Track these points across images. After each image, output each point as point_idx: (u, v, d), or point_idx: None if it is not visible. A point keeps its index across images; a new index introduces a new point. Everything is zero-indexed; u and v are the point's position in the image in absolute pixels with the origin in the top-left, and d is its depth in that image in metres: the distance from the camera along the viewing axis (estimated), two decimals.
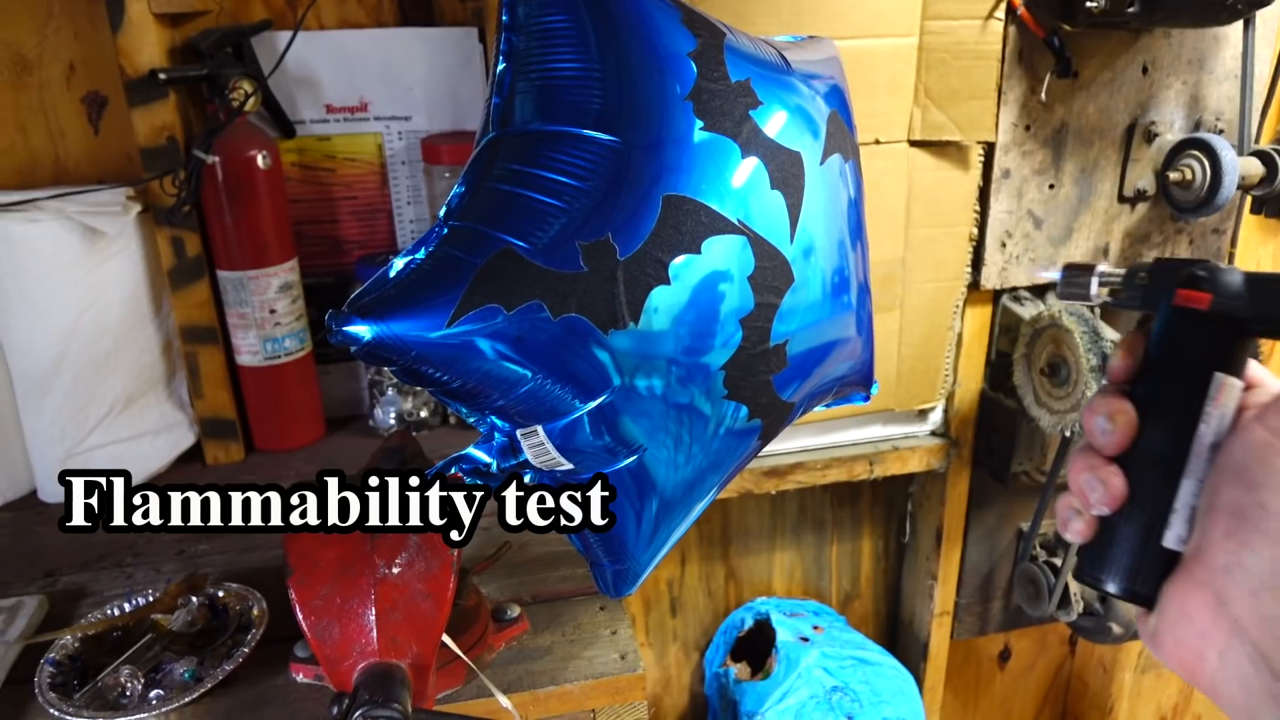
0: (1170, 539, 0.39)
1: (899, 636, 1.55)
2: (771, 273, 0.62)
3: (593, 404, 0.57)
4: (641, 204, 0.57)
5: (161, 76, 0.96)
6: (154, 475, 1.08)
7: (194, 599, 0.79)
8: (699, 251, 0.58)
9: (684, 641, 1.50)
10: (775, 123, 0.63)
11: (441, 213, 0.58)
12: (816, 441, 1.31)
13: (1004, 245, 1.21)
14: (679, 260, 0.57)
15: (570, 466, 0.60)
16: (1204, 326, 0.40)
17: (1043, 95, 1.13)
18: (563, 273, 0.55)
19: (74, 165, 1.07)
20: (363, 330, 0.53)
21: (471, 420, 0.63)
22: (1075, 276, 0.46)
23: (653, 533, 0.67)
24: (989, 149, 1.17)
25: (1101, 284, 0.45)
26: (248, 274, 1.04)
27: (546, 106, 0.57)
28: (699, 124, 0.58)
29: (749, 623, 1.44)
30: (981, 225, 1.20)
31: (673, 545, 0.71)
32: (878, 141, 1.13)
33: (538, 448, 0.60)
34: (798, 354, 0.65)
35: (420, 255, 0.57)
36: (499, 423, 0.62)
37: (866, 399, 0.83)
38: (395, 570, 0.58)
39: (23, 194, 0.96)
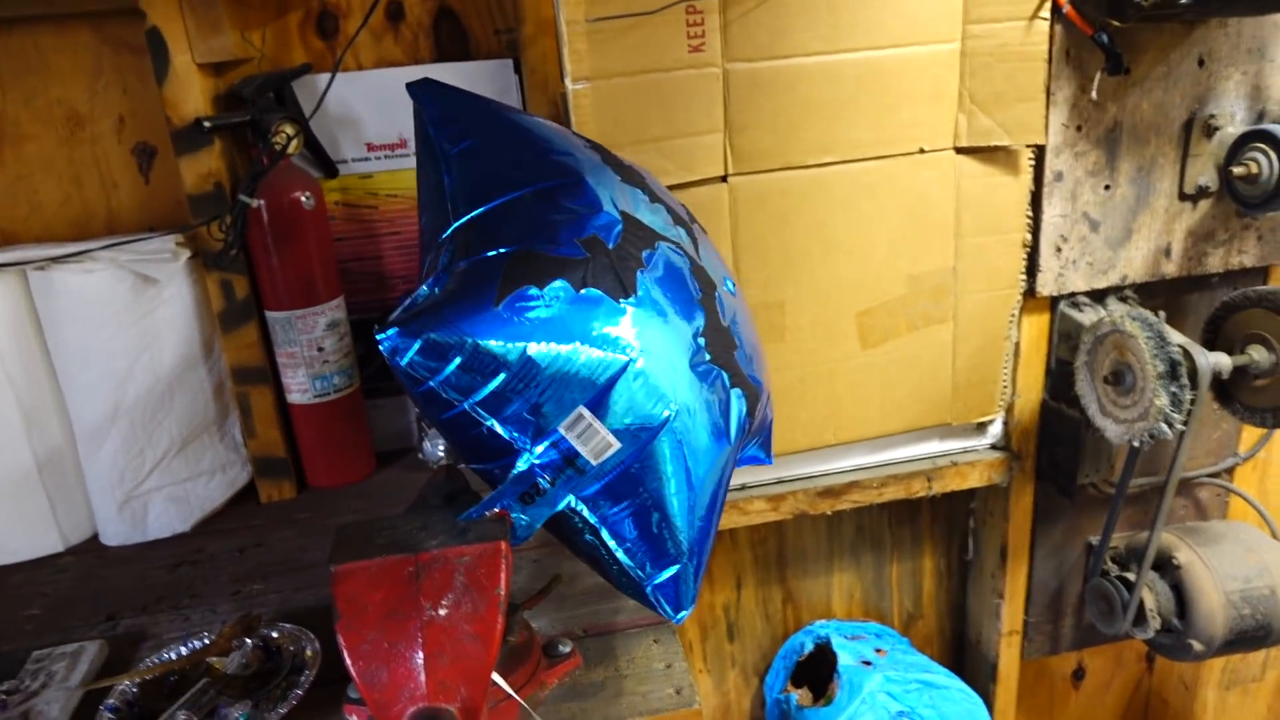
0: None
1: (966, 657, 1.50)
2: (702, 273, 0.77)
3: (622, 363, 0.64)
4: (609, 221, 0.72)
5: (207, 124, 0.97)
6: (209, 515, 1.10)
7: (248, 641, 0.79)
8: (655, 250, 0.73)
9: (742, 667, 1.47)
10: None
11: (443, 260, 0.68)
12: (872, 459, 1.27)
13: (1059, 250, 1.17)
14: (645, 250, 0.72)
15: (618, 445, 0.64)
16: None
17: (1093, 94, 1.10)
18: (573, 258, 0.67)
19: (126, 215, 1.10)
20: (415, 333, 0.61)
21: (511, 434, 0.63)
22: None
23: (692, 507, 0.68)
24: (1039, 152, 1.13)
25: None
26: (295, 313, 1.06)
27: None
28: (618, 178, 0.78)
29: (809, 647, 1.41)
30: (1035, 230, 1.17)
31: (713, 532, 0.71)
32: (922, 150, 1.11)
33: (586, 432, 0.63)
34: (740, 339, 0.77)
35: (444, 277, 0.66)
36: (546, 424, 0.63)
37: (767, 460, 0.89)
38: (442, 612, 0.57)
39: (76, 245, 0.99)
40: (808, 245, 1.12)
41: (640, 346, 0.66)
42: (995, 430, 1.29)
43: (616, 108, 1.01)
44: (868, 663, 1.34)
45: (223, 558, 1.02)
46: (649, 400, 0.65)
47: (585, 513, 0.66)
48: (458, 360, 0.61)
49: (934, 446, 1.29)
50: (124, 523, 1.05)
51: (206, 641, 0.81)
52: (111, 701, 0.75)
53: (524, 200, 0.71)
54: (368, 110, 1.10)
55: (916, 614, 1.50)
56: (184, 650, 0.81)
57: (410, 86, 0.81)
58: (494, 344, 0.62)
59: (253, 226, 1.02)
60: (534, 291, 0.64)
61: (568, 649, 0.78)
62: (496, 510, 0.63)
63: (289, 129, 1.01)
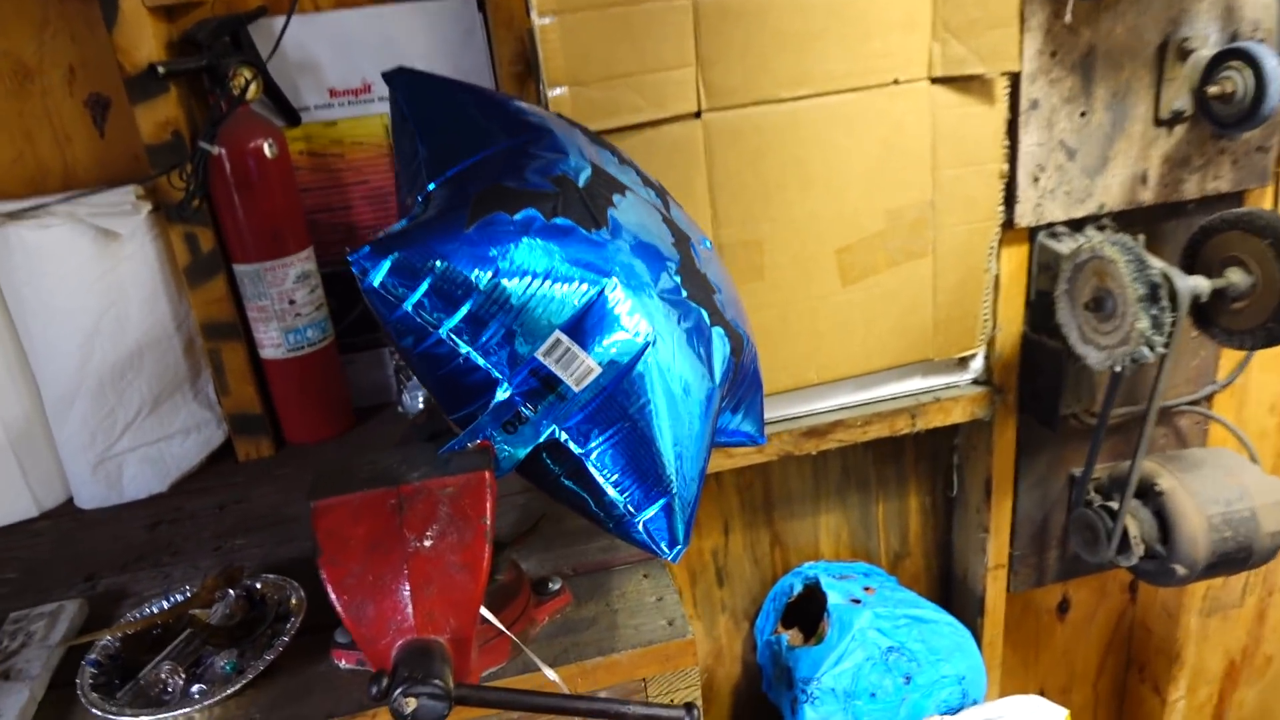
0: None
1: (953, 593, 1.52)
2: (673, 224, 0.77)
3: (599, 288, 0.63)
4: (578, 165, 0.73)
5: (161, 70, 0.94)
6: (186, 475, 1.08)
7: (231, 592, 0.78)
8: (624, 195, 0.72)
9: (733, 611, 1.47)
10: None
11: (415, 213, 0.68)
12: (855, 398, 1.27)
13: (1037, 180, 1.16)
14: (615, 194, 0.71)
15: (599, 370, 0.63)
16: None
17: (1067, 18, 1.08)
18: (542, 190, 0.66)
19: (83, 170, 1.06)
20: (385, 251, 0.60)
21: (489, 363, 0.62)
22: None
23: (678, 438, 0.67)
24: (1014, 80, 1.12)
25: None
26: (264, 265, 1.03)
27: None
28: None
29: (798, 588, 1.41)
30: (1012, 161, 1.16)
31: (703, 469, 0.70)
32: (896, 82, 1.09)
33: (565, 357, 0.62)
34: (718, 286, 0.77)
35: (416, 211, 0.66)
36: (523, 350, 0.63)
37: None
38: (427, 543, 0.56)
39: (32, 200, 0.95)
40: (784, 181, 1.10)
41: (615, 273, 0.65)
42: (977, 365, 1.28)
43: (585, 42, 0.99)
44: (857, 600, 1.34)
45: (203, 515, 1.00)
46: (627, 325, 0.64)
47: (570, 444, 0.64)
48: (429, 281, 0.60)
49: (917, 383, 1.28)
50: (99, 485, 1.03)
51: (189, 594, 0.80)
52: (93, 656, 0.74)
53: (496, 155, 0.72)
54: (329, 54, 1.06)
55: (903, 553, 1.51)
56: (166, 604, 0.80)
57: (386, 75, 0.82)
58: (465, 265, 0.60)
59: (215, 177, 0.99)
60: (504, 217, 0.63)
61: (557, 586, 0.78)
62: (479, 442, 0.62)
63: (246, 73, 0.98)
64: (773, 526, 1.44)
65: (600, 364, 0.63)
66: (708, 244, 0.83)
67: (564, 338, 0.62)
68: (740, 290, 1.14)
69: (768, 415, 1.24)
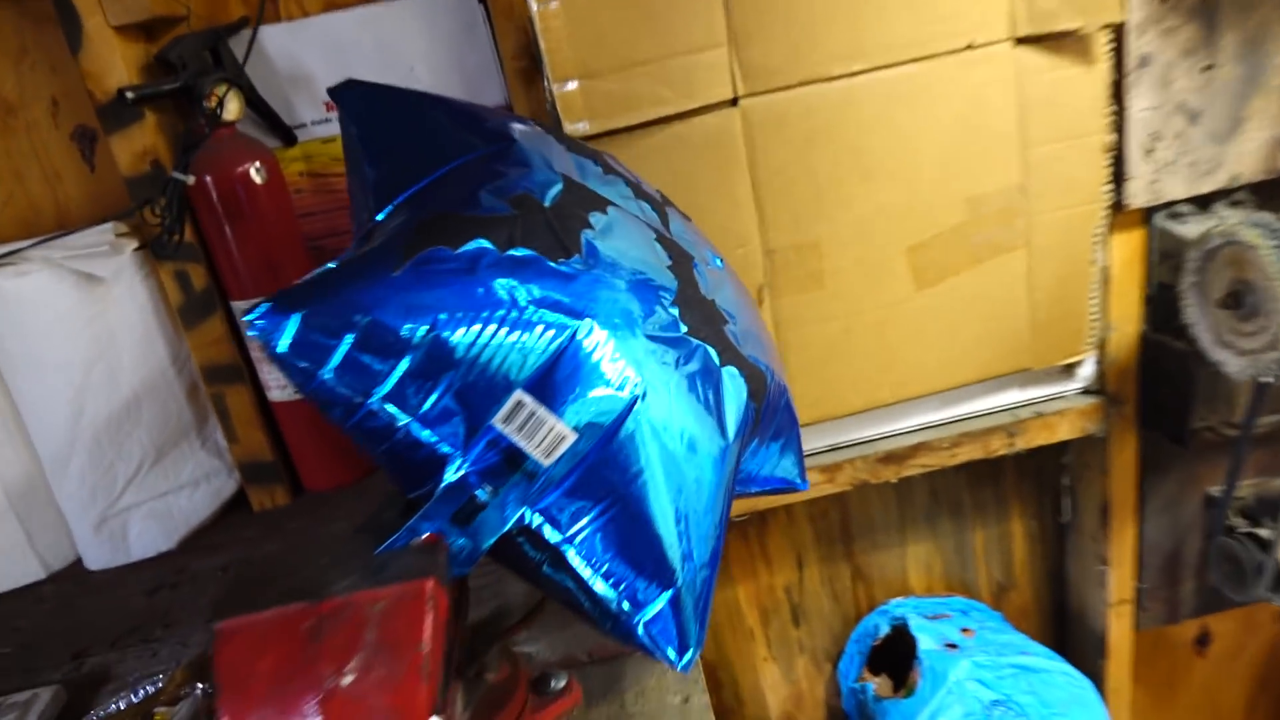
0: None
1: (1070, 631, 1.32)
2: (671, 243, 0.64)
3: (568, 334, 0.50)
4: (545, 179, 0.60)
5: (129, 95, 0.86)
6: (197, 528, 1.00)
7: (199, 687, 0.68)
8: (606, 213, 0.59)
9: (812, 653, 1.32)
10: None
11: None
12: (940, 416, 1.10)
13: (1151, 151, 0.97)
14: (593, 212, 0.58)
15: (574, 437, 0.50)
16: None
17: None
18: (496, 214, 0.54)
19: (76, 208, 1.00)
20: (288, 308, 0.48)
21: (436, 435, 0.49)
22: None
23: (683, 515, 0.54)
24: (1118, 33, 0.93)
25: None
26: None
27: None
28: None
29: (884, 628, 1.25)
30: (1120, 130, 0.97)
31: (718, 549, 0.56)
32: (971, 47, 0.92)
33: (530, 423, 0.50)
34: (731, 314, 0.63)
35: (349, 252, 0.55)
36: (477, 417, 0.50)
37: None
38: (347, 680, 0.44)
39: (8, 246, 0.88)
40: (841, 173, 0.94)
41: (591, 311, 0.51)
42: (1086, 372, 1.09)
43: (595, 26, 0.85)
44: (953, 645, 1.17)
45: (204, 577, 0.92)
46: (609, 376, 0.51)
47: (546, 531, 0.52)
48: (350, 340, 0.48)
49: (1014, 396, 1.10)
50: (104, 545, 0.96)
51: (156, 689, 0.71)
52: None
53: (449, 176, 0.60)
54: (321, 63, 0.96)
55: (1008, 584, 1.32)
56: (133, 698, 0.71)
57: (332, 90, 0.71)
58: (394, 317, 0.48)
59: (202, 208, 0.91)
60: (445, 253, 0.50)
61: (563, 683, 0.65)
62: (426, 536, 0.50)
63: (222, 91, 0.88)
64: (853, 559, 1.28)
65: (575, 428, 0.50)
66: (719, 263, 0.69)
67: (527, 398, 0.50)
68: (797, 301, 0.99)
69: (835, 439, 1.10)
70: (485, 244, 0.52)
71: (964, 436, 1.08)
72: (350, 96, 0.70)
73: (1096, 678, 1.20)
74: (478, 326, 0.49)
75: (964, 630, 1.21)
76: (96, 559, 0.97)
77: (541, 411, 0.50)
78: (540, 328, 0.50)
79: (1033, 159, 0.97)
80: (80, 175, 0.99)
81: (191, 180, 0.87)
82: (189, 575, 0.93)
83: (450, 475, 0.50)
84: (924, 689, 1.13)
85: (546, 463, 0.50)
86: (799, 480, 0.73)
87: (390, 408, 0.49)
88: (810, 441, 1.09)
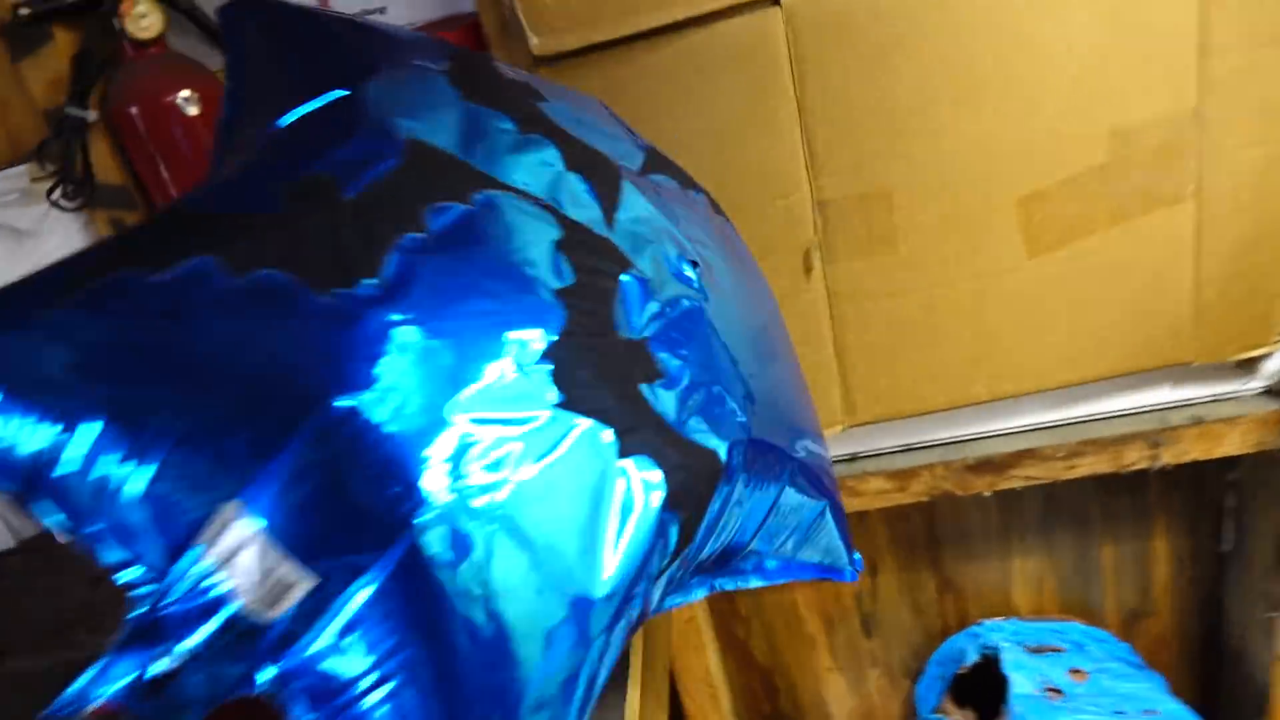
0: None
1: (1223, 677, 1.05)
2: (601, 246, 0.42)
3: (325, 409, 0.32)
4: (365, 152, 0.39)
5: (23, 12, 0.71)
6: None
7: None
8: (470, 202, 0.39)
9: (887, 666, 1.12)
10: None
11: None
12: (1057, 416, 0.85)
13: None
14: (443, 201, 0.39)
15: (314, 582, 0.32)
16: None
17: None
18: (250, 213, 0.37)
19: (30, 139, 0.87)
20: None
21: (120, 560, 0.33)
22: None
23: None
24: None
25: None
26: None
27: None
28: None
29: (972, 655, 1.02)
30: None
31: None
32: None
33: (250, 567, 0.32)
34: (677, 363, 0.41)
35: None
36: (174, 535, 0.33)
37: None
38: None
39: None
40: (926, 97, 0.69)
41: (370, 379, 0.32)
42: (1271, 369, 0.80)
43: None
44: (1055, 691, 0.94)
45: None
46: (385, 481, 0.32)
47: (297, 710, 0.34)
48: None
49: (1163, 395, 0.83)
50: None
51: None
52: None
53: (277, 138, 0.42)
54: None
55: (1144, 611, 1.06)
56: None
57: (220, 10, 0.55)
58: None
59: (133, 145, 0.76)
60: (134, 282, 0.33)
61: None
62: (93, 709, 0.33)
63: (144, 5, 0.72)
64: (940, 568, 1.05)
65: (312, 567, 0.32)
66: (723, 267, 0.46)
67: (243, 513, 0.32)
68: (860, 268, 0.75)
69: (909, 438, 0.87)
70: (207, 264, 0.33)
71: (1086, 444, 0.83)
72: (231, 13, 0.54)
73: None
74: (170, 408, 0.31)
75: (1073, 672, 0.97)
76: None
77: (258, 537, 0.32)
78: (266, 392, 0.32)
79: (1214, 73, 0.67)
80: (27, 103, 0.86)
81: (92, 116, 0.72)
82: None
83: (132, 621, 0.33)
84: None
85: (271, 614, 0.32)
86: (845, 569, 0.53)
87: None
88: (874, 440, 0.87)
